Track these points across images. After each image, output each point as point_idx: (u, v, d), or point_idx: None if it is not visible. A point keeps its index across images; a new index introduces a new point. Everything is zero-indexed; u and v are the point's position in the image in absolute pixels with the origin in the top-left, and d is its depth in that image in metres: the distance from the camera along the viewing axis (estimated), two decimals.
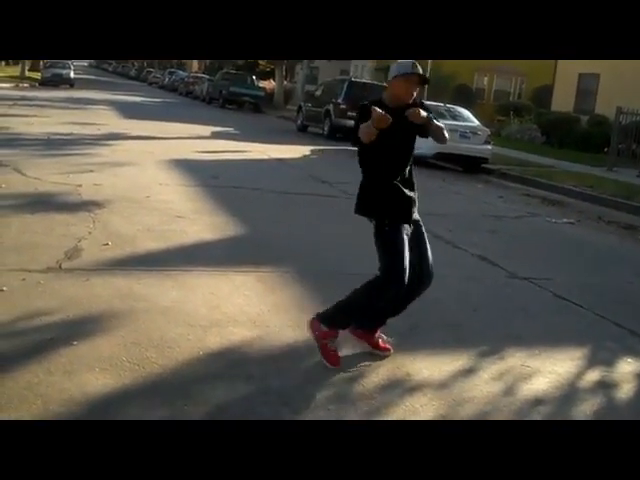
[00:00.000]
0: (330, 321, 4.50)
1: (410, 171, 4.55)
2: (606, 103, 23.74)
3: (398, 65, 4.36)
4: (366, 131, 4.16)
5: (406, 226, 4.43)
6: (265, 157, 15.50)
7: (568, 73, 28.21)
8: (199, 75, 49.32)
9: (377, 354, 4.64)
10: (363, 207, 4.54)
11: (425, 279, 4.54)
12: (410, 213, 4.47)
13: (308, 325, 4.58)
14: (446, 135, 4.47)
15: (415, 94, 4.40)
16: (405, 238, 4.38)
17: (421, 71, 4.37)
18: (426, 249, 4.55)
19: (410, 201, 4.47)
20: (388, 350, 4.69)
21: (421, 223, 4.58)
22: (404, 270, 4.30)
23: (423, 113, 4.29)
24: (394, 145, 4.36)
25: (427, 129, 4.40)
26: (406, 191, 4.45)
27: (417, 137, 4.50)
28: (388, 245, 4.39)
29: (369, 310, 4.55)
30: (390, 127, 4.10)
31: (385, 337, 4.76)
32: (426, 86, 4.65)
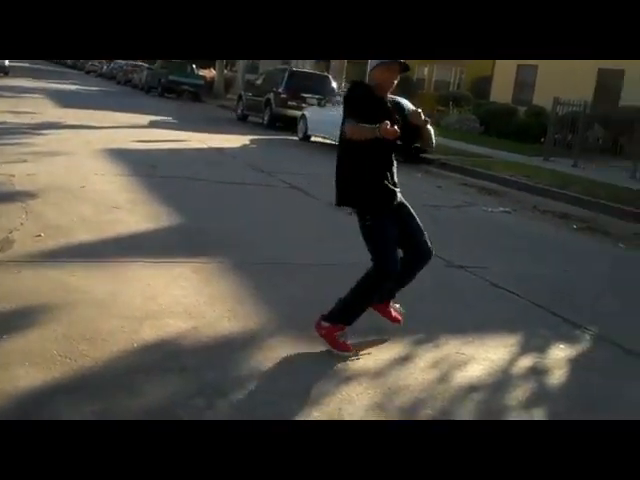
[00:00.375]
0: (331, 318, 4.64)
1: (393, 166, 4.68)
2: (544, 94, 24.14)
3: None
4: (365, 134, 4.24)
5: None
6: (204, 146, 15.37)
7: (507, 64, 28.59)
8: (138, 63, 48.50)
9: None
10: (345, 198, 4.63)
11: (423, 255, 4.77)
12: (391, 203, 4.62)
13: (315, 328, 4.68)
14: (434, 141, 4.68)
15: (396, 82, 4.52)
16: (390, 225, 4.55)
17: (402, 60, 4.42)
18: (417, 227, 4.74)
19: (392, 193, 4.63)
20: (399, 321, 5.04)
21: (406, 203, 4.77)
22: (395, 262, 4.53)
23: (423, 115, 4.40)
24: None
25: (421, 132, 4.53)
26: (388, 184, 4.58)
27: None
28: (374, 241, 4.55)
29: (367, 304, 4.70)
30: (376, 118, 4.21)
31: (397, 306, 5.14)
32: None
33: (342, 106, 4.54)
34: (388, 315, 5.02)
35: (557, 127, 19.78)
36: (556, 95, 19.70)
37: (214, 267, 6.15)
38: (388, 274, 4.51)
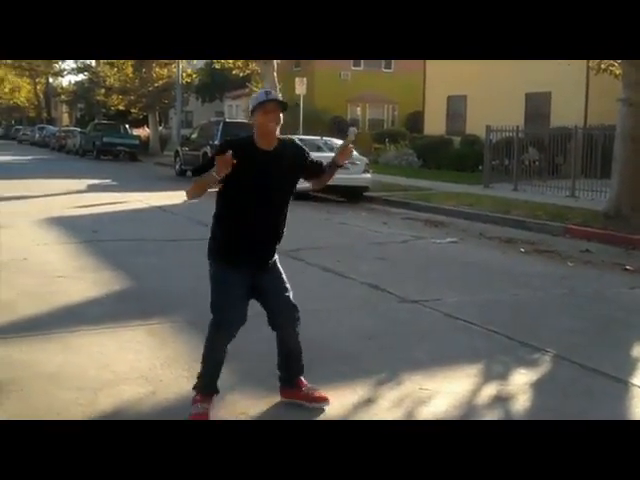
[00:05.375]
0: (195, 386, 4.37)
1: (275, 215, 4.30)
2: (475, 123, 24.56)
3: (252, 98, 4.16)
4: (200, 186, 4.39)
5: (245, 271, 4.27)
6: (145, 206, 15.23)
7: (437, 97, 29.12)
8: (70, 129, 48.33)
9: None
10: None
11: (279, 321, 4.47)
12: (248, 259, 4.30)
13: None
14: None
15: (278, 123, 4.08)
16: (233, 280, 4.26)
17: (277, 96, 4.11)
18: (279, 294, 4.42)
19: (254, 248, 4.29)
20: (325, 399, 4.45)
21: (276, 268, 4.42)
22: (229, 315, 4.26)
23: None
24: (255, 187, 4.13)
25: (326, 174, 4.34)
26: (245, 241, 4.29)
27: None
28: (211, 289, 4.32)
29: (208, 364, 4.31)
30: (259, 169, 4.04)
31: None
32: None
33: None
34: (305, 398, 4.40)
35: (493, 154, 20.13)
36: (487, 123, 20.09)
37: (168, 327, 6.03)
38: (217, 324, 4.21)
